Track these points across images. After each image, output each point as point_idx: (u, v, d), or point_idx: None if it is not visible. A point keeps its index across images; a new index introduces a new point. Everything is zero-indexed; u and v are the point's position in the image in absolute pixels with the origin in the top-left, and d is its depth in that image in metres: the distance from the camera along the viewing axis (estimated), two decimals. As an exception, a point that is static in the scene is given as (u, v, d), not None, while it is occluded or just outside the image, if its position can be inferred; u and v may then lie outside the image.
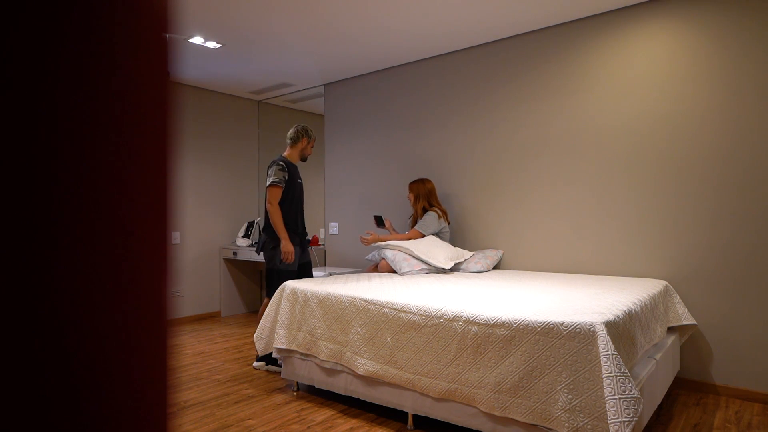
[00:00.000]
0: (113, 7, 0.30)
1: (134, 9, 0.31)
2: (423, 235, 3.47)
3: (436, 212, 3.52)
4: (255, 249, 3.43)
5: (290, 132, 3.39)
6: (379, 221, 3.75)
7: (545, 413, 1.80)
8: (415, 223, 3.75)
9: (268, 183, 3.22)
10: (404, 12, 3.15)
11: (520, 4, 3.03)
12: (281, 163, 3.25)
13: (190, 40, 3.60)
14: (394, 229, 3.84)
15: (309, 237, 3.37)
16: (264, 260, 3.31)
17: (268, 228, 3.27)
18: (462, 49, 3.82)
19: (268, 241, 3.25)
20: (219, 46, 3.73)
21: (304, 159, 3.43)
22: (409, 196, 3.64)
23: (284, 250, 3.17)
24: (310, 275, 3.47)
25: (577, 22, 3.26)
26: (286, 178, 3.24)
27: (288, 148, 3.39)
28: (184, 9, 3.09)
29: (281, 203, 3.24)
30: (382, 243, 3.39)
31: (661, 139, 2.95)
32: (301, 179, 3.41)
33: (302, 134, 3.36)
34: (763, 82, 2.64)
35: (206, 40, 3.62)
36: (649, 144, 2.99)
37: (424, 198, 3.59)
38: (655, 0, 2.96)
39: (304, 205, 3.61)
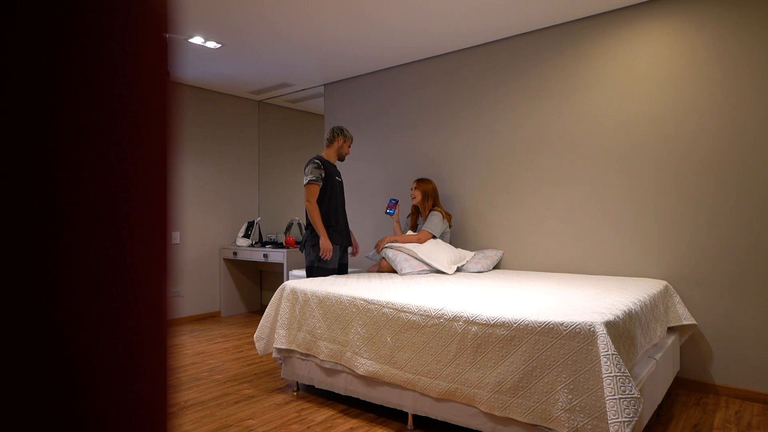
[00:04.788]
0: (113, 7, 0.30)
1: (134, 9, 0.31)
2: (434, 236, 3.46)
3: (441, 213, 3.53)
4: (299, 248, 3.47)
5: (326, 133, 3.44)
6: (390, 207, 3.69)
7: (545, 413, 1.80)
8: (416, 219, 3.75)
9: (305, 182, 3.23)
10: (404, 12, 3.15)
11: (520, 4, 3.03)
12: (316, 161, 3.26)
13: (190, 40, 3.60)
14: (398, 221, 3.77)
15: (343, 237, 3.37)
16: (305, 257, 3.34)
17: (309, 225, 3.29)
18: (462, 49, 3.82)
19: (309, 238, 3.27)
20: (219, 46, 3.73)
21: (341, 158, 3.44)
22: (416, 192, 3.61)
23: (322, 247, 3.18)
24: None
25: (577, 22, 3.26)
26: (323, 175, 3.25)
27: (325, 148, 3.42)
28: (184, 9, 3.09)
29: (319, 202, 3.25)
30: (395, 244, 3.37)
31: (661, 139, 2.95)
32: (340, 178, 3.41)
33: (337, 133, 3.39)
34: (763, 83, 2.64)
35: (206, 40, 3.62)
36: (650, 144, 2.99)
37: (432, 197, 3.60)
38: (655, 0, 2.96)
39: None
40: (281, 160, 5.42)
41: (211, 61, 4.10)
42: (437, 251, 3.32)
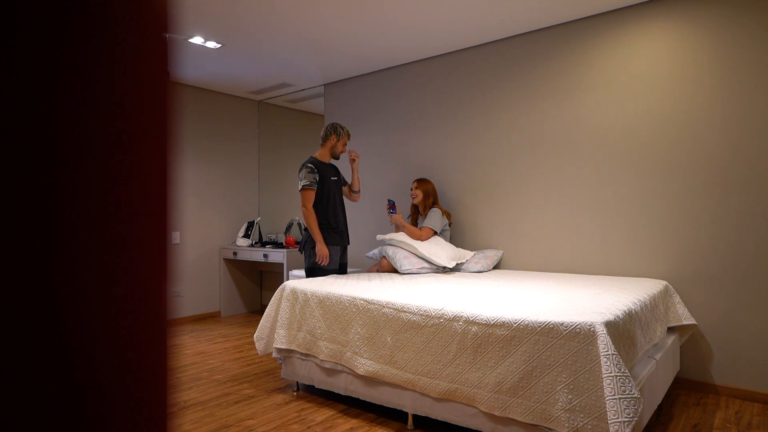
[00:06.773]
0: (113, 7, 0.30)
1: (134, 9, 0.31)
2: (435, 232, 3.48)
3: (440, 210, 3.55)
4: (298, 249, 3.45)
5: (321, 131, 3.38)
6: (392, 207, 3.65)
7: (545, 413, 1.80)
8: (416, 219, 3.76)
9: (299, 187, 3.21)
10: (404, 12, 3.15)
11: (520, 4, 3.03)
12: (309, 165, 3.23)
13: (190, 40, 3.60)
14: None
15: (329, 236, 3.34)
16: (304, 259, 3.32)
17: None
18: (461, 49, 3.82)
19: (309, 239, 3.25)
20: (219, 46, 3.72)
21: (336, 157, 3.39)
22: (417, 192, 3.62)
23: (318, 253, 3.16)
24: None
25: (577, 22, 3.26)
26: (317, 179, 3.21)
27: (319, 147, 3.37)
28: (184, 9, 3.09)
29: (317, 204, 3.22)
30: (396, 239, 3.36)
31: (661, 139, 2.95)
32: (337, 176, 3.37)
33: (330, 132, 3.33)
34: (764, 82, 2.64)
35: (206, 40, 3.62)
36: (649, 144, 2.99)
37: (432, 196, 3.62)
38: (655, 0, 2.96)
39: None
40: (281, 160, 5.42)
41: (211, 61, 4.10)
42: (437, 248, 3.34)
